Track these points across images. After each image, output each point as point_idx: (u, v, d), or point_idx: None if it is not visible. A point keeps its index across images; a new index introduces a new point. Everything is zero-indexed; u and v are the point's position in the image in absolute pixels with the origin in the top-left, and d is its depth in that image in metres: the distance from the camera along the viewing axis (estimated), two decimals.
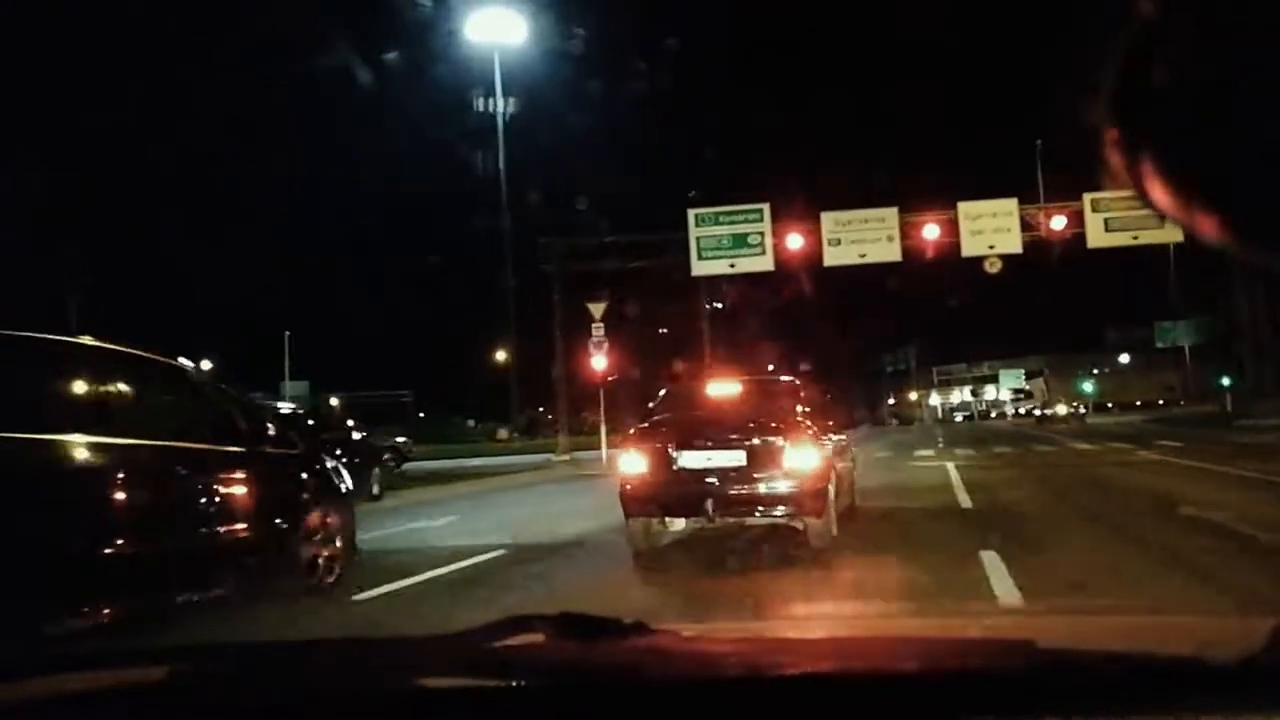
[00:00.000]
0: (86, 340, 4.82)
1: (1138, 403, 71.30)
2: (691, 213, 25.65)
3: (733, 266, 25.74)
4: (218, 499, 5.25)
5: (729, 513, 6.86)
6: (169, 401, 5.45)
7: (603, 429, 22.51)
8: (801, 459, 6.72)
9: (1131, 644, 1.28)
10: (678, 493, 6.86)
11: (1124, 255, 28.74)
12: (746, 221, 25.51)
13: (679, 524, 7.42)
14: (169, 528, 4.87)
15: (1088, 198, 24.76)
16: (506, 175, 26.60)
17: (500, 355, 42.43)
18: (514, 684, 1.07)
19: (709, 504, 6.70)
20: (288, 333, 46.09)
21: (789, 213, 25.83)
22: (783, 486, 6.65)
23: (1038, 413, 60.18)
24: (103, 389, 4.76)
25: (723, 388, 8.27)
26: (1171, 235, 23.02)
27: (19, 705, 1.10)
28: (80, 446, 4.46)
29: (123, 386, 4.94)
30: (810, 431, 7.13)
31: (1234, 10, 0.77)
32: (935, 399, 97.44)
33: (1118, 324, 75.82)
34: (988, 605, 4.85)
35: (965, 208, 25.07)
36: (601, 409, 21.96)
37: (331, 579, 5.98)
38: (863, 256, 25.30)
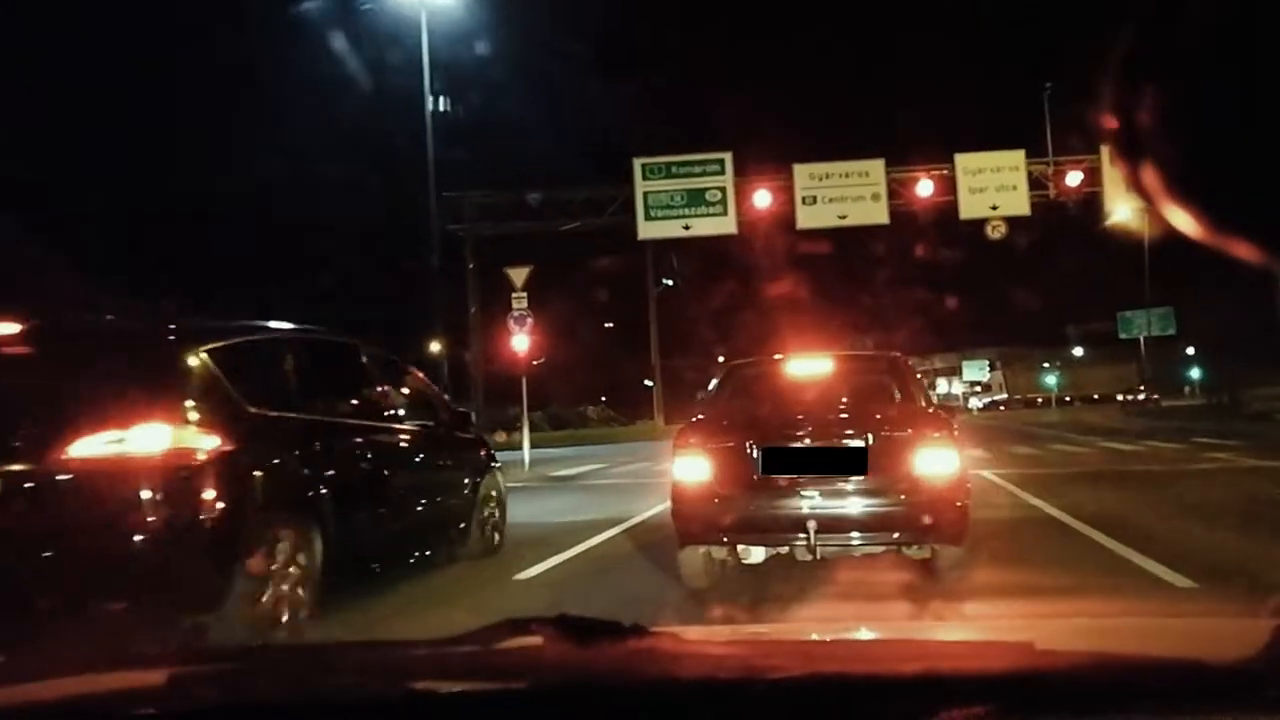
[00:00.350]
0: (375, 348, 6.19)
1: (1095, 396, 69.20)
2: (638, 162, 21.18)
3: (688, 229, 21.31)
4: (434, 472, 6.23)
5: (837, 539, 5.07)
6: (404, 393, 6.40)
7: (525, 426, 17.87)
8: (939, 462, 5.02)
9: (1131, 646, 1.34)
10: (763, 511, 5.12)
11: (1092, 243, 25.30)
12: (705, 174, 21.13)
13: (757, 553, 5.46)
14: (410, 496, 5.81)
15: (1105, 151, 20.91)
16: (435, 143, 21.56)
17: (435, 346, 37.85)
18: (513, 687, 1.09)
19: (810, 526, 4.93)
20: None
21: (756, 165, 21.55)
22: (917, 501, 4.95)
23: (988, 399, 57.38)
24: (372, 383, 5.88)
25: (810, 365, 6.31)
26: None
27: (21, 707, 1.09)
28: (365, 429, 5.51)
29: (387, 382, 6.13)
30: (947, 425, 5.30)
31: None
32: None
33: (1079, 316, 73.54)
34: (988, 607, 4.63)
35: (964, 160, 21.03)
36: (524, 400, 17.37)
37: (497, 543, 6.78)
38: (843, 218, 21.11)
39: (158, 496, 3.89)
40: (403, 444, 5.94)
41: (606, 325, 52.51)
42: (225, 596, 4.04)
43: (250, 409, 4.47)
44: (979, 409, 69.93)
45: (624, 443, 28.65)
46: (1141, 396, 45.93)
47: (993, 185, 21.00)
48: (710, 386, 6.26)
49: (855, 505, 4.95)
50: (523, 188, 22.16)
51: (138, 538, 3.85)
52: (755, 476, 5.03)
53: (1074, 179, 21.04)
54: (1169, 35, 0.74)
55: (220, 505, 4.11)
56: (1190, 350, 61.87)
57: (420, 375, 7.02)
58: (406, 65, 19.98)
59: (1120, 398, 58.75)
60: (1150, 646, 1.33)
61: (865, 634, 1.88)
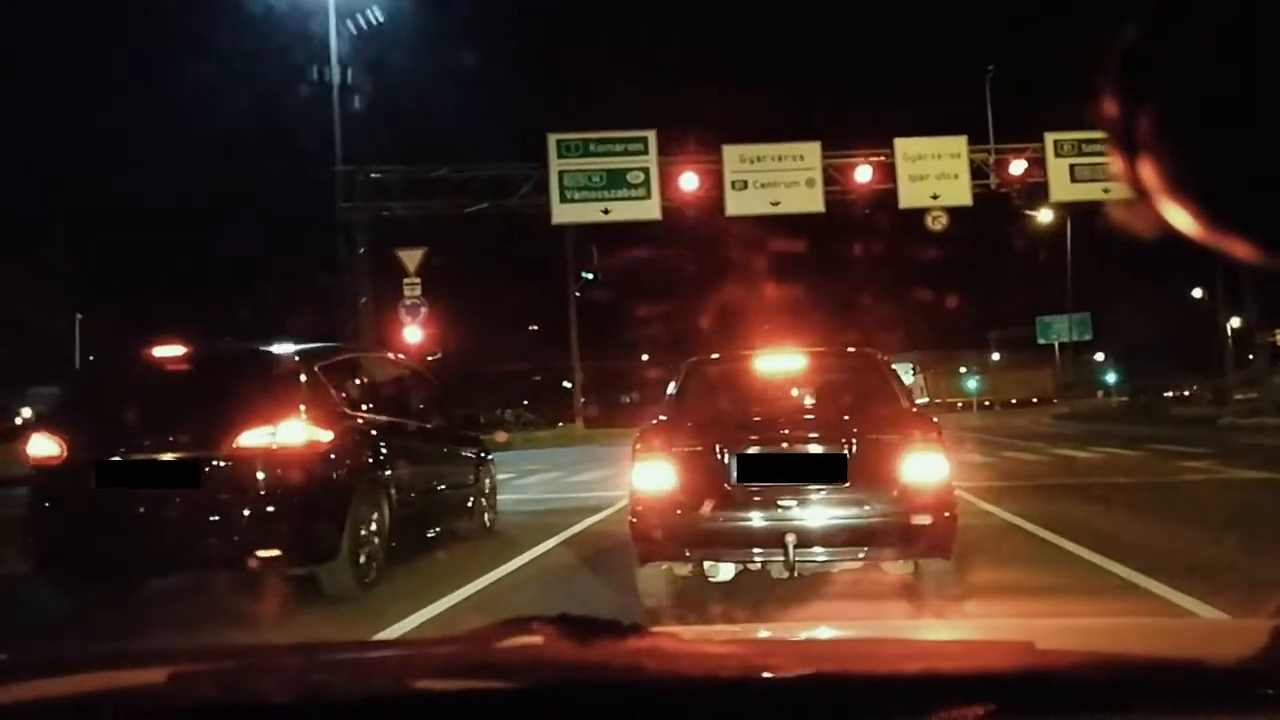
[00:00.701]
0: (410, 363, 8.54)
1: (1012, 400, 69.66)
2: (552, 138, 19.15)
3: (607, 213, 19.36)
4: (452, 462, 7.44)
5: (819, 553, 4.59)
6: (428, 398, 7.62)
7: None
8: (928, 469, 4.59)
9: (1131, 647, 1.34)
10: (737, 523, 4.63)
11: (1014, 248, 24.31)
12: (626, 153, 19.22)
13: (726, 570, 4.91)
14: (437, 480, 7.05)
15: (1050, 138, 19.76)
16: (342, 126, 18.98)
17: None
18: (513, 686, 1.08)
19: (789, 540, 4.43)
20: (79, 316, 39.58)
21: (683, 146, 19.74)
22: (905, 510, 4.53)
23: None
24: (408, 390, 7.31)
25: (782, 362, 5.72)
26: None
27: (20, 706, 1.10)
28: (408, 427, 6.75)
29: (418, 389, 7.51)
30: (935, 429, 4.80)
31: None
32: None
33: (1000, 321, 73.95)
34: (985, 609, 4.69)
35: (904, 146, 19.59)
36: None
37: (490, 524, 8.03)
38: (775, 205, 19.45)
39: (296, 476, 5.13)
40: (432, 439, 7.17)
41: (530, 325, 50.23)
42: (338, 550, 5.27)
43: (345, 410, 5.81)
44: None
45: (540, 448, 26.58)
46: (1052, 401, 45.66)
47: (934, 173, 19.62)
48: (671, 385, 5.62)
49: (839, 516, 4.58)
50: (427, 164, 19.91)
51: (284, 505, 5.08)
52: (728, 485, 4.64)
53: (1017, 168, 19.81)
54: (1171, 33, 0.74)
55: (335, 483, 5.44)
56: (1099, 356, 62.68)
57: (436, 384, 8.21)
58: (311, 41, 17.73)
59: (1055, 401, 58.69)
60: (1150, 646, 1.36)
61: (865, 634, 1.88)
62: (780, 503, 4.55)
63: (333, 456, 5.45)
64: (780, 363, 5.74)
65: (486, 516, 7.98)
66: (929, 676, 1.06)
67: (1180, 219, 0.76)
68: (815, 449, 4.73)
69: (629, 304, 35.42)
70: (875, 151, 19.70)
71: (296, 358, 5.69)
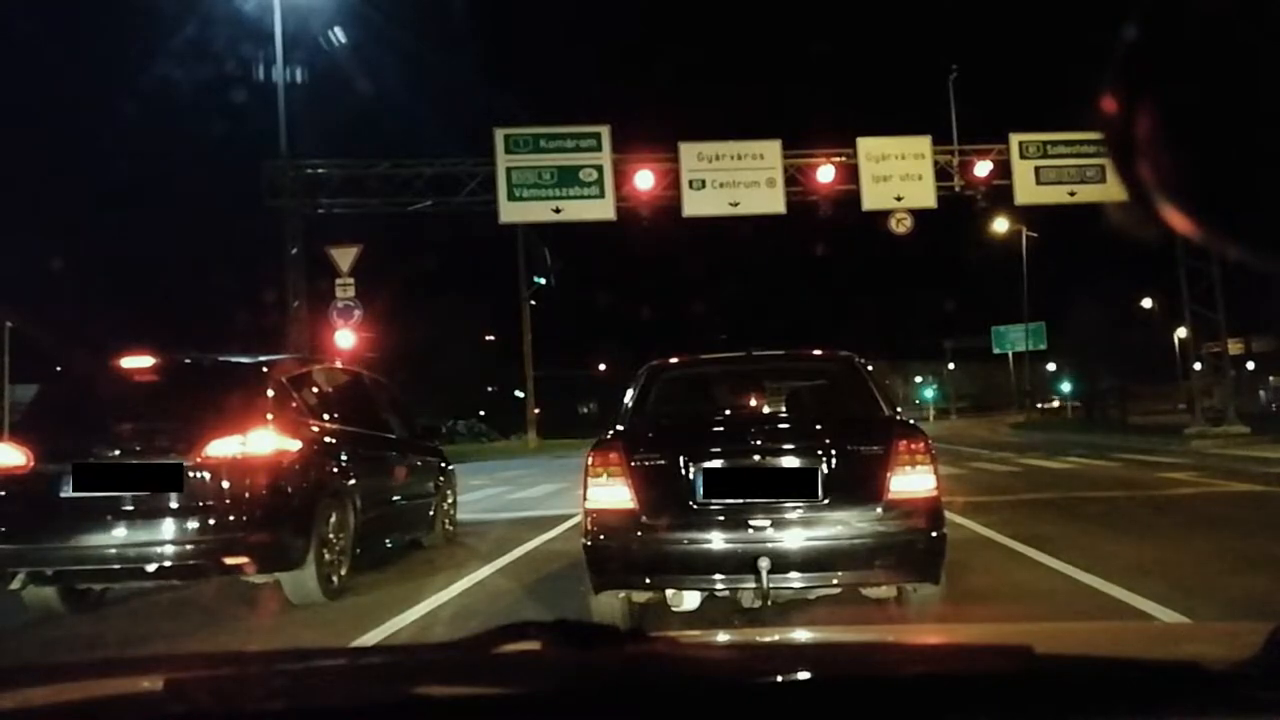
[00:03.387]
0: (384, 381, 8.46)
1: (962, 408, 69.68)
2: (500, 133, 18.13)
3: (558, 212, 18.37)
4: (414, 472, 7.58)
5: (795, 579, 4.12)
6: (391, 409, 7.84)
7: None
8: (916, 483, 4.20)
9: (1130, 650, 1.37)
10: (704, 546, 4.17)
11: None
12: (578, 149, 18.26)
13: (691, 599, 4.36)
14: (400, 489, 7.24)
15: (1015, 139, 19.21)
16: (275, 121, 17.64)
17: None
18: (510, 692, 1.07)
19: (763, 565, 4.00)
20: (9, 324, 37.34)
21: (638, 142, 18.84)
22: (886, 531, 4.13)
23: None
24: (371, 401, 7.45)
25: (752, 367, 5.38)
26: (1111, 194, 17.85)
27: (18, 714, 1.08)
28: (372, 437, 6.95)
29: (380, 400, 7.68)
30: (923, 438, 4.36)
31: None
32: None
33: (953, 330, 74.00)
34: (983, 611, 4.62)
35: (867, 145, 18.90)
36: None
37: (451, 532, 8.27)
38: (735, 205, 18.62)
39: (263, 484, 5.32)
40: (395, 449, 7.38)
41: (486, 335, 48.67)
42: (304, 558, 5.46)
43: (311, 421, 6.02)
44: None
45: (490, 460, 25.46)
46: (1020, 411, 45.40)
47: (897, 174, 18.94)
48: (629, 393, 5.05)
49: (816, 536, 4.14)
50: (367, 159, 18.75)
51: (252, 513, 5.24)
52: (692, 503, 4.23)
53: (982, 169, 19.19)
54: (1170, 31, 0.74)
55: (302, 491, 5.59)
56: (1052, 366, 62.94)
57: (398, 394, 8.39)
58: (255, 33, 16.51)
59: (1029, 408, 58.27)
60: (1149, 649, 1.39)
61: (864, 637, 1.89)
62: (751, 523, 4.12)
63: (299, 466, 5.62)
64: (750, 367, 5.36)
65: (447, 525, 8.19)
66: (929, 679, 1.07)
67: (1177, 220, 0.76)
68: (790, 462, 4.26)
69: (586, 309, 34.39)
70: (837, 151, 18.98)
71: (264, 369, 5.94)
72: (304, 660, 1.36)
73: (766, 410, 5.28)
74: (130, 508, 5.10)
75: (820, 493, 4.13)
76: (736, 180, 18.51)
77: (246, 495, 5.19)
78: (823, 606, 4.42)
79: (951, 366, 78.46)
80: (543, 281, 26.02)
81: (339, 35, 17.96)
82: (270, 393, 5.66)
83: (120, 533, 5.10)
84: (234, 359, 6.21)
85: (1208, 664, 1.05)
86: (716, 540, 4.16)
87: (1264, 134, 0.71)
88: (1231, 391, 25.32)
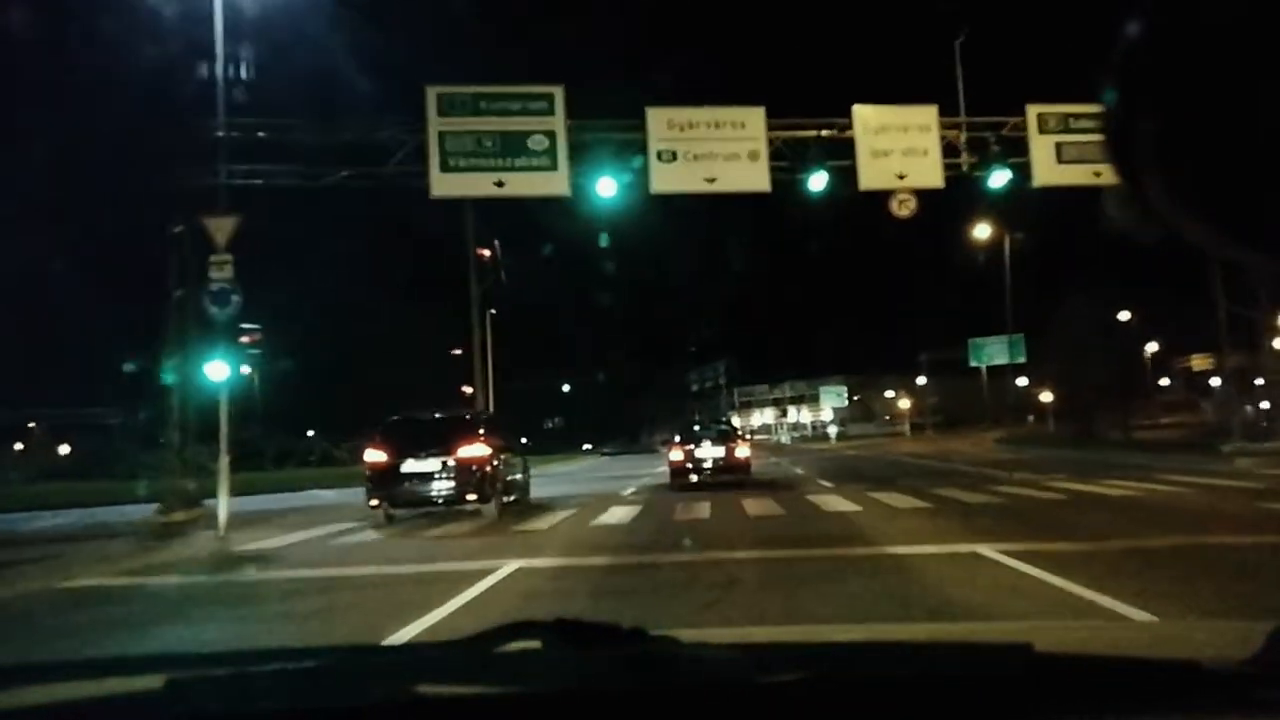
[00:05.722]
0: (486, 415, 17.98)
1: (934, 424, 67.30)
2: (432, 91, 15.22)
3: (500, 185, 15.44)
4: (519, 465, 15.94)
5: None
6: (508, 432, 16.25)
7: (223, 469, 11.33)
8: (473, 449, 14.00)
9: (1129, 648, 1.39)
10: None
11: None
12: (526, 113, 15.41)
13: None
14: (514, 473, 15.43)
15: (1033, 111, 16.69)
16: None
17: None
18: (512, 691, 1.08)
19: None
20: None
21: (598, 106, 16.05)
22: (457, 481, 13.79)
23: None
24: (500, 429, 15.53)
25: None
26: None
27: (17, 713, 1.10)
28: (506, 448, 15.26)
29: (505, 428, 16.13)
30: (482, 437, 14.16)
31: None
32: (736, 422, 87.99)
33: (930, 342, 71.66)
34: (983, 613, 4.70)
35: (864, 114, 16.27)
36: (223, 417, 11.01)
37: (527, 497, 16.40)
38: (711, 182, 15.87)
39: (477, 468, 13.43)
40: (511, 452, 15.35)
41: (451, 348, 44.81)
42: (491, 499, 13.43)
43: (492, 441, 14.08)
44: (834, 438, 66.85)
45: None
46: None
47: (899, 148, 16.33)
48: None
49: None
50: (281, 118, 15.68)
51: (475, 479, 13.31)
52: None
53: (993, 145, 16.63)
54: (1172, 34, 0.74)
55: (494, 470, 13.72)
56: (1023, 381, 60.60)
57: (507, 421, 17.66)
58: None
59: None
60: (1149, 648, 1.40)
61: (864, 637, 1.88)
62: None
63: (495, 460, 13.77)
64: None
65: (528, 493, 16.33)
66: (927, 680, 1.07)
67: (1184, 227, 0.76)
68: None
69: (546, 314, 31.34)
70: (829, 121, 16.34)
71: (481, 416, 16.66)
72: (304, 660, 1.36)
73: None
74: (428, 476, 13.29)
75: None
76: (714, 152, 15.78)
77: (472, 471, 13.26)
78: None
79: (922, 381, 76.07)
80: (491, 263, 22.98)
81: None
82: (484, 427, 14.34)
83: (425, 487, 13.29)
84: (460, 413, 15.73)
85: (1208, 664, 1.05)
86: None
87: (1267, 135, 0.70)
88: (1237, 406, 23.04)
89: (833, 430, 58.02)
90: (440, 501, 13.14)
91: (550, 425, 66.60)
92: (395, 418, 14.20)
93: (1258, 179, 0.72)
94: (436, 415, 14.37)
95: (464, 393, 24.14)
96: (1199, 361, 53.43)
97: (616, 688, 1.05)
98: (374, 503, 13.32)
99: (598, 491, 19.19)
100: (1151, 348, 54.74)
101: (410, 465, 13.13)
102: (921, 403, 72.59)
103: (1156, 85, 0.74)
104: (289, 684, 1.16)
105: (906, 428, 65.68)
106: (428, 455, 13.15)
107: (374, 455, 13.43)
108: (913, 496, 13.07)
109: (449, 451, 13.13)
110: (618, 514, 13.13)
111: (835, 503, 13.04)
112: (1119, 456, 20.15)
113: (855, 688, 1.03)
